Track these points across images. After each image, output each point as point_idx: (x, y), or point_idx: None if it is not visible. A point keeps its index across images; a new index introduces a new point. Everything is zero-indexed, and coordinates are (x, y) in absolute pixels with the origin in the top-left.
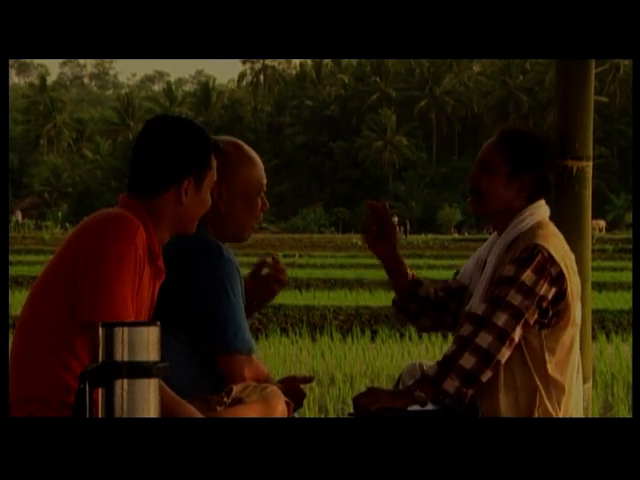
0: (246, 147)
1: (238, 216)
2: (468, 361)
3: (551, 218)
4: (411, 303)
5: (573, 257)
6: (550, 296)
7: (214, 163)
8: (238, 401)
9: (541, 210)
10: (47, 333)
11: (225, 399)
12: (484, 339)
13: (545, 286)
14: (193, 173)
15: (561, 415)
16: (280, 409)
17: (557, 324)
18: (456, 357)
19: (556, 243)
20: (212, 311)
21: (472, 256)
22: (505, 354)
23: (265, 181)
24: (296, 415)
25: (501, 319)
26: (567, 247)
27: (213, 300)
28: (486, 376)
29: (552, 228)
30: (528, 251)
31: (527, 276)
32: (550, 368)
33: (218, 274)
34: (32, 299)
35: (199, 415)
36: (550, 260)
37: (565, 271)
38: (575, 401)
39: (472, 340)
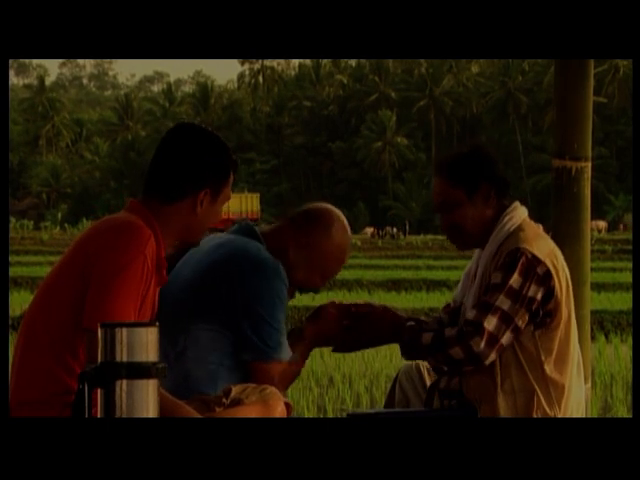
0: (348, 233)
1: (296, 274)
2: (457, 354)
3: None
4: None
5: (561, 255)
6: (539, 297)
7: (231, 179)
8: (237, 402)
9: (519, 212)
10: (52, 338)
11: (224, 400)
12: (477, 344)
13: (533, 287)
14: (211, 185)
15: (561, 415)
16: (279, 410)
17: (551, 323)
18: (448, 345)
19: (539, 242)
20: (263, 325)
21: (463, 273)
22: (492, 358)
23: (333, 274)
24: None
25: (491, 324)
26: (552, 245)
27: (265, 315)
28: (469, 369)
29: (534, 228)
30: (511, 255)
31: (514, 280)
32: (548, 369)
33: (274, 292)
34: (38, 303)
35: (197, 416)
36: (535, 260)
37: (552, 269)
38: (576, 401)
39: (466, 340)
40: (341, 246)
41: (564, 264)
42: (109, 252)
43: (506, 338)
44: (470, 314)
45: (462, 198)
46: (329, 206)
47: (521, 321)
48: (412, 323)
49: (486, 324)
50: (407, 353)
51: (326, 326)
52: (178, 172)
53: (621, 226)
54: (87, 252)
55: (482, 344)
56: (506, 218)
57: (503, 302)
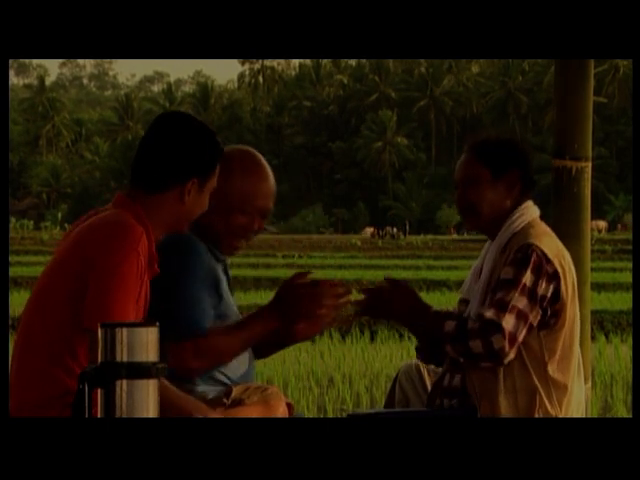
0: (257, 163)
1: (214, 222)
2: (476, 347)
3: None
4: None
5: (568, 255)
6: (549, 294)
7: (218, 169)
8: (238, 402)
9: (531, 210)
10: (50, 339)
11: (225, 400)
12: (498, 340)
13: (544, 285)
14: (198, 174)
15: (562, 415)
16: (281, 410)
17: (555, 324)
18: (469, 336)
19: (549, 241)
20: (172, 304)
21: (471, 269)
22: (511, 357)
23: (254, 209)
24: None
25: (510, 323)
26: (561, 245)
27: (172, 292)
28: (486, 365)
29: (543, 227)
30: (522, 251)
31: (527, 277)
32: (551, 369)
33: (176, 265)
34: (34, 304)
35: (204, 408)
36: (545, 259)
37: (559, 270)
38: (576, 400)
39: (488, 336)
40: (240, 177)
41: (571, 265)
42: (104, 253)
43: (522, 336)
44: (488, 313)
45: (487, 178)
46: (230, 147)
47: (534, 319)
48: (437, 309)
49: (504, 324)
50: (424, 348)
51: (296, 311)
52: (165, 162)
53: (619, 226)
54: (82, 254)
55: (503, 342)
56: (517, 214)
57: (518, 300)
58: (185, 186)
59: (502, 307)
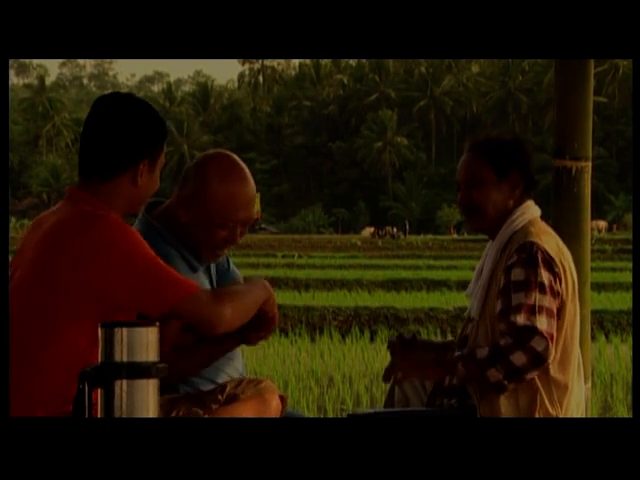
0: (234, 169)
1: (196, 234)
2: (519, 359)
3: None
4: None
5: (569, 253)
6: (561, 292)
7: (165, 146)
8: (233, 397)
9: (531, 209)
10: (55, 360)
11: (219, 396)
12: (538, 343)
13: (557, 283)
14: (149, 155)
15: (562, 414)
16: (275, 403)
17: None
18: (508, 352)
19: (549, 240)
20: None
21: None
22: (553, 355)
23: (235, 221)
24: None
25: (543, 324)
26: (561, 243)
27: None
28: (532, 375)
29: (544, 226)
30: (526, 251)
31: (543, 275)
32: (552, 369)
33: None
34: (27, 321)
35: (261, 291)
36: (549, 257)
37: (560, 268)
38: (576, 400)
39: (526, 343)
40: (218, 189)
41: (571, 264)
42: (124, 257)
43: (555, 334)
44: (519, 319)
45: (491, 178)
46: (207, 153)
47: (556, 315)
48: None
49: (539, 325)
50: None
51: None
52: (116, 147)
53: (615, 226)
54: (92, 277)
55: (545, 342)
56: (517, 213)
57: (542, 300)
58: (137, 168)
59: (531, 310)
